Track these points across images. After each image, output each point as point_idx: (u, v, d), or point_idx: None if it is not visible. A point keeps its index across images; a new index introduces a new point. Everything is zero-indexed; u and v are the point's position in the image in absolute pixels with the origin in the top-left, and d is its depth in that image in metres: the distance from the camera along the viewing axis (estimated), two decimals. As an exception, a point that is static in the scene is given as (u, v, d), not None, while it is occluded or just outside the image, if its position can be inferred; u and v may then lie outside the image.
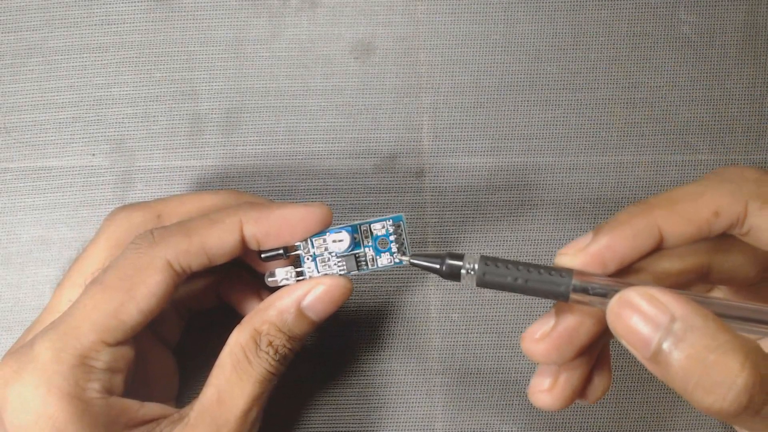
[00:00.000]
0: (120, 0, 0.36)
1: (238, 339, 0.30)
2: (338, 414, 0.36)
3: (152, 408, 0.29)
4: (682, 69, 0.36)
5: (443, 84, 0.36)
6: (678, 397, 0.35)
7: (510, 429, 0.36)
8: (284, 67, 0.36)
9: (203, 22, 0.36)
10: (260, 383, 0.29)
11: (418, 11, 0.36)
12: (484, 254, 0.27)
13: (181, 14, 0.36)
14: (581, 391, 0.28)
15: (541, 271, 0.26)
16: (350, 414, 0.36)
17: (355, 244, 0.30)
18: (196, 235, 0.29)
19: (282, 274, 0.31)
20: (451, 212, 0.36)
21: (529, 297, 0.35)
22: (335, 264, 0.30)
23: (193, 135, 0.36)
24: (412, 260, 0.28)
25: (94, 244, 0.31)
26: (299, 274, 0.31)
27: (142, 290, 0.28)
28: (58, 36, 0.36)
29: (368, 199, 0.36)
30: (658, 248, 0.26)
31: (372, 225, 0.30)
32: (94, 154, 0.36)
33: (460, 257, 0.27)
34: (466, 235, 0.36)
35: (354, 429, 0.36)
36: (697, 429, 0.35)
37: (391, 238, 0.30)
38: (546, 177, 0.36)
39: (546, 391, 0.28)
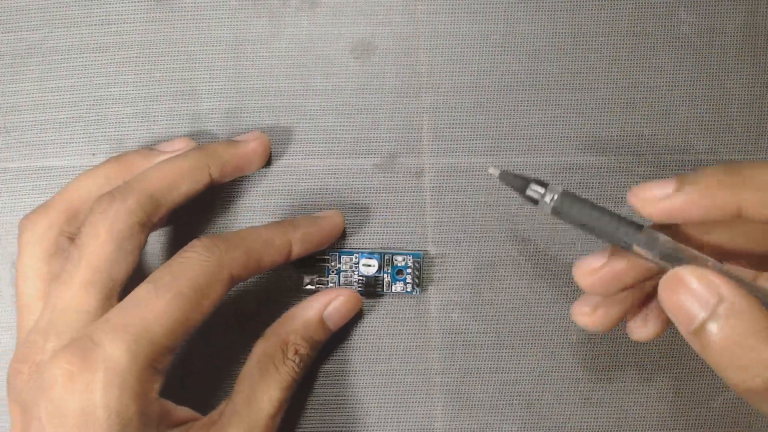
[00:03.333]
0: (120, 0, 0.36)
1: (265, 349, 0.33)
2: (338, 414, 0.36)
3: (184, 411, 0.31)
4: (682, 69, 0.36)
5: (443, 84, 0.36)
6: (678, 397, 0.36)
7: (510, 429, 0.36)
8: (284, 67, 0.36)
9: (203, 22, 0.36)
10: (285, 389, 0.32)
11: (418, 11, 0.36)
12: (567, 190, 0.28)
13: (181, 14, 0.36)
14: (619, 320, 0.30)
15: (613, 220, 0.27)
16: (350, 414, 0.36)
17: (378, 268, 0.35)
18: (254, 254, 0.31)
19: (307, 280, 0.35)
20: (451, 212, 0.36)
21: (533, 292, 0.36)
22: (356, 281, 0.35)
23: (193, 135, 0.36)
24: (501, 176, 0.29)
25: (27, 258, 0.32)
26: (321, 284, 0.35)
27: (208, 300, 0.30)
28: (58, 36, 0.36)
29: (368, 199, 0.36)
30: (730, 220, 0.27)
31: (394, 256, 0.35)
32: (94, 154, 0.36)
33: (544, 185, 0.28)
34: (466, 235, 0.36)
35: (354, 429, 0.36)
36: (697, 429, 0.36)
37: (408, 270, 0.35)
38: (546, 177, 0.36)
39: (586, 315, 0.30)
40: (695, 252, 0.27)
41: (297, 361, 0.33)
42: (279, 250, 0.32)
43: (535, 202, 0.28)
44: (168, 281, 0.29)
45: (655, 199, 0.27)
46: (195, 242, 0.30)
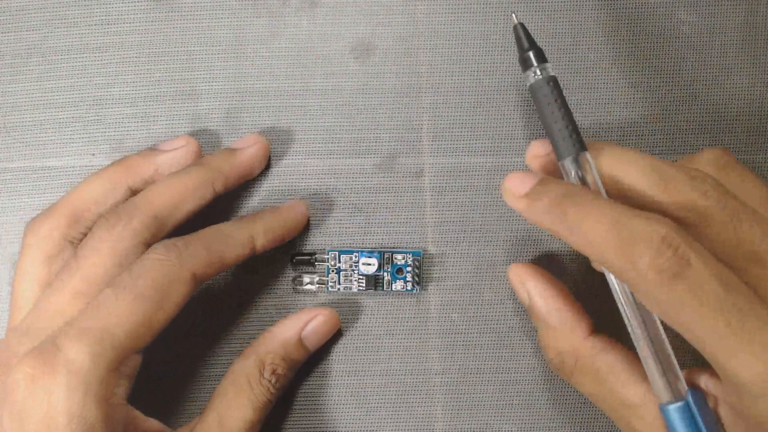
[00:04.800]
0: (120, 0, 0.36)
1: (242, 368, 0.32)
2: (338, 414, 0.36)
3: (153, 422, 0.31)
4: (682, 69, 0.36)
5: (443, 84, 0.36)
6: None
7: (510, 429, 0.36)
8: (284, 67, 0.36)
9: (203, 22, 0.36)
10: (259, 410, 0.32)
11: (418, 11, 0.36)
12: (556, 77, 0.30)
13: (181, 14, 0.36)
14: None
15: (567, 130, 0.29)
16: (350, 414, 0.36)
17: (378, 267, 0.35)
18: (215, 250, 0.31)
19: (307, 279, 0.35)
20: (451, 212, 0.36)
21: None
22: (356, 280, 0.35)
23: (193, 135, 0.36)
24: (515, 28, 0.30)
25: (27, 259, 0.32)
26: (321, 283, 0.35)
27: (171, 301, 0.30)
28: (58, 36, 0.36)
29: (368, 199, 0.36)
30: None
31: (394, 254, 0.35)
32: (94, 154, 0.36)
33: (542, 61, 0.30)
34: (466, 236, 0.36)
35: (354, 429, 0.36)
36: (697, 429, 0.35)
37: (408, 268, 0.35)
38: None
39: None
40: (599, 191, 0.29)
41: (273, 381, 0.32)
42: (241, 244, 0.32)
43: (526, 69, 0.30)
44: (128, 283, 0.29)
45: (513, 195, 0.30)
46: (156, 244, 0.30)
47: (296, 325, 0.34)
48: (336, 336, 0.36)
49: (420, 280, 0.35)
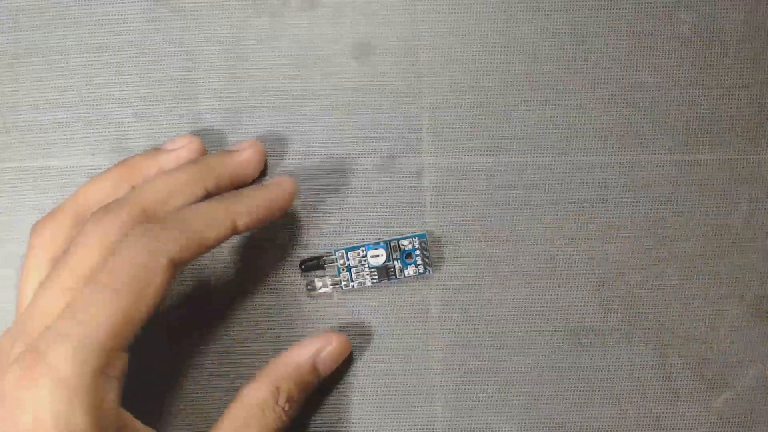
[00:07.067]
0: (120, 0, 0.36)
1: (255, 394, 0.32)
2: (338, 414, 0.36)
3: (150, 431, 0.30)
4: (682, 69, 0.36)
5: (443, 84, 0.36)
6: (678, 397, 0.36)
7: (510, 429, 0.36)
8: (284, 67, 0.36)
9: (203, 22, 0.36)
10: None
11: (418, 11, 0.36)
12: None
13: (181, 14, 0.36)
14: None
15: None
16: (350, 414, 0.36)
17: (386, 257, 0.35)
18: (194, 233, 0.30)
19: (320, 283, 0.35)
20: (451, 212, 0.36)
21: (533, 292, 0.35)
22: (368, 274, 0.35)
23: (193, 135, 0.36)
24: None
25: (32, 261, 0.32)
26: (335, 284, 0.35)
27: (150, 291, 0.28)
28: (58, 36, 0.36)
29: (368, 199, 0.36)
30: None
31: (400, 241, 0.35)
32: (94, 154, 0.36)
33: None
34: (466, 236, 0.36)
35: (354, 429, 0.36)
36: (696, 429, 0.36)
37: (417, 252, 0.35)
38: (546, 177, 0.36)
39: None
40: None
41: (287, 408, 0.32)
42: (222, 224, 0.31)
43: None
44: (104, 278, 0.28)
45: None
46: (132, 230, 0.29)
47: (310, 350, 0.33)
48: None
49: (430, 261, 0.35)
